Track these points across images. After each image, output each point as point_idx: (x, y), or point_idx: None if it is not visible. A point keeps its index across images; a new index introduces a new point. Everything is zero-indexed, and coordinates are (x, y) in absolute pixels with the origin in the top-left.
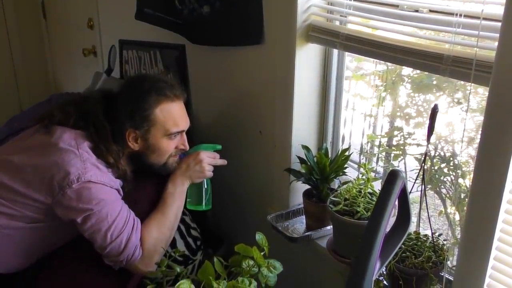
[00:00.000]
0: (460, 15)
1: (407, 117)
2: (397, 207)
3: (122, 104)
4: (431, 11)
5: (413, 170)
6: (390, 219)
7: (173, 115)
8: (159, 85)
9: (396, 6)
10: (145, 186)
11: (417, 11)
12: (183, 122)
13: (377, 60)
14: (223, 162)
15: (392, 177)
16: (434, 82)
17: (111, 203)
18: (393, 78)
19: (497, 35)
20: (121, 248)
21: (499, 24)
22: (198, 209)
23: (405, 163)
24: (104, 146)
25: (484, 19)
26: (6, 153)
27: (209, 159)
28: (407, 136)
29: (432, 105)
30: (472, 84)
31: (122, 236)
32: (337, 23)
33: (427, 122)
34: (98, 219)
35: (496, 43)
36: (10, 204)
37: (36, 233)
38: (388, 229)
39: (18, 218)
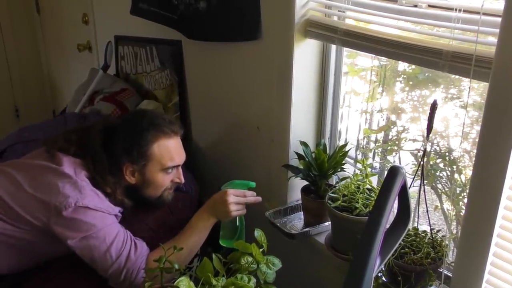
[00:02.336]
0: (460, 10)
1: (399, 111)
2: (396, 203)
3: (120, 139)
4: (430, 6)
5: (407, 164)
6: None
7: (170, 150)
8: (157, 122)
9: (395, 1)
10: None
11: (416, 6)
12: (179, 157)
13: (373, 56)
14: (255, 200)
15: (392, 173)
16: (429, 78)
17: (107, 227)
18: (389, 74)
19: (497, 30)
20: (121, 268)
21: (499, 19)
22: (229, 245)
23: (399, 158)
24: (101, 178)
25: (484, 14)
26: (11, 167)
27: (236, 198)
28: (401, 130)
29: (432, 101)
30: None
31: (121, 258)
32: (335, 18)
33: (422, 117)
34: (95, 242)
35: (496, 39)
36: (4, 212)
37: (28, 238)
38: (387, 226)
39: (10, 223)
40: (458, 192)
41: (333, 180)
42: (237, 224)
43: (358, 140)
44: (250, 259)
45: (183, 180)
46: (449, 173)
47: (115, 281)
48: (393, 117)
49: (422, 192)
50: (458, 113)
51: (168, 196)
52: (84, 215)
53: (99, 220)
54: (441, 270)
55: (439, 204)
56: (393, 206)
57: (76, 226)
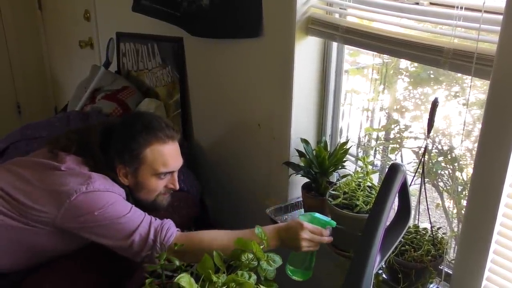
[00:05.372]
0: (461, 8)
1: (403, 109)
2: (397, 201)
3: (115, 141)
4: (431, 3)
5: (410, 163)
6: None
7: (163, 156)
8: (151, 126)
9: None
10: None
11: (417, 3)
12: (174, 163)
13: (375, 53)
14: (329, 239)
15: (393, 170)
16: (432, 76)
17: (121, 201)
18: (391, 72)
19: (498, 28)
20: (147, 231)
21: (501, 17)
22: (295, 275)
23: (401, 156)
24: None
25: (485, 12)
26: (16, 165)
27: (311, 235)
28: (403, 129)
29: (432, 99)
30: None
31: (145, 222)
32: (337, 15)
33: (424, 115)
34: (112, 213)
35: (498, 36)
36: (11, 207)
37: (33, 236)
38: (387, 223)
39: (16, 219)
40: (459, 190)
41: (334, 177)
42: (308, 255)
43: (359, 138)
44: (250, 256)
45: (177, 187)
46: (450, 171)
47: (137, 249)
48: (395, 115)
49: (422, 189)
50: (460, 111)
51: (162, 201)
52: (95, 196)
53: (111, 197)
54: (441, 268)
55: (440, 202)
56: (394, 204)
57: (89, 205)
